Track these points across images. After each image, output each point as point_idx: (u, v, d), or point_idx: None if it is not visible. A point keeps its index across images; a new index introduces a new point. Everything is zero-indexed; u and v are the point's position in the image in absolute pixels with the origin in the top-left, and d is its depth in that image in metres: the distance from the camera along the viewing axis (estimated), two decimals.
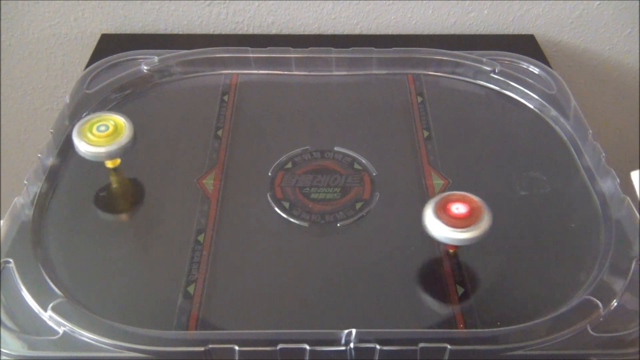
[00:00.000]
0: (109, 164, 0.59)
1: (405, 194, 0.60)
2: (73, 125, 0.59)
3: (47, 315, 0.47)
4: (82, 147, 0.57)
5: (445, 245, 0.52)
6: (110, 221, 0.58)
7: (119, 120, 0.59)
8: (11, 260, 0.51)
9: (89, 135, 0.58)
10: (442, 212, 0.50)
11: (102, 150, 0.57)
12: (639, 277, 0.51)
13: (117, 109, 0.69)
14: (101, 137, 0.58)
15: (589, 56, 0.90)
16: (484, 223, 0.50)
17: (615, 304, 0.49)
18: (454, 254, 0.54)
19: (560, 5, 0.85)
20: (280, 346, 0.45)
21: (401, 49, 0.75)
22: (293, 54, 0.74)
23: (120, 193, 0.61)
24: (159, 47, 0.76)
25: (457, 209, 0.50)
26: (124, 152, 0.58)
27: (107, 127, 0.58)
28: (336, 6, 0.84)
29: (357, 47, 0.74)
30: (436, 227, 0.50)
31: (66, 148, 0.63)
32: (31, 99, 0.92)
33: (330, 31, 0.86)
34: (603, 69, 0.91)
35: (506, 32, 0.87)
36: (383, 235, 0.57)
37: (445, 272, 0.53)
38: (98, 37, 0.84)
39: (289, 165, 0.62)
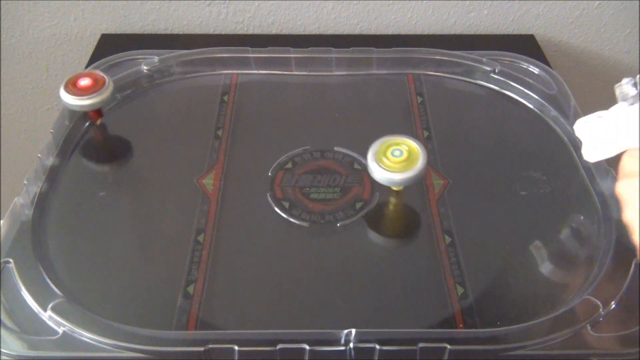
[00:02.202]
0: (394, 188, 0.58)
1: (405, 194, 0.60)
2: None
3: (47, 315, 0.47)
4: (377, 172, 0.56)
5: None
6: (110, 221, 0.58)
7: (413, 145, 0.57)
8: (11, 260, 0.51)
9: (385, 160, 0.56)
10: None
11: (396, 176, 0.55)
12: (639, 277, 0.51)
13: (117, 109, 0.69)
14: (396, 162, 0.56)
15: (589, 56, 0.90)
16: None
17: (615, 304, 0.49)
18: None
19: (560, 5, 0.84)
20: (280, 346, 0.45)
21: (401, 49, 0.75)
22: (293, 54, 0.74)
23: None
24: (159, 47, 0.76)
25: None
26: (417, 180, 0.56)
27: (402, 153, 0.56)
28: (336, 6, 0.84)
29: (357, 47, 0.74)
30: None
31: (66, 148, 0.63)
32: (31, 99, 0.92)
33: (330, 31, 0.86)
34: (603, 69, 0.91)
35: (506, 32, 0.87)
36: (383, 235, 0.57)
37: (445, 272, 0.53)
38: (98, 37, 0.84)
39: (289, 165, 0.62)
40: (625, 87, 0.50)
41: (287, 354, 0.45)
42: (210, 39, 0.84)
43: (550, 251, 0.55)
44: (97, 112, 0.65)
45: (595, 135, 0.50)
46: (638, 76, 0.49)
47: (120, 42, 0.82)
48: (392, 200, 0.59)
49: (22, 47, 0.87)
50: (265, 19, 0.85)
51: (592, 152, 0.50)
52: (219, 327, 0.49)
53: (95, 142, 0.66)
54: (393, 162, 0.56)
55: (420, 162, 0.55)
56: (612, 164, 0.60)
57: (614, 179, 0.58)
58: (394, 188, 0.58)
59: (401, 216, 0.60)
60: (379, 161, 0.56)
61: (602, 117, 0.51)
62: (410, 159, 0.56)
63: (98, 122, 0.66)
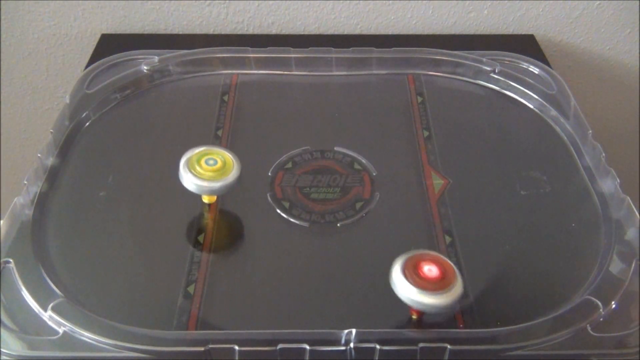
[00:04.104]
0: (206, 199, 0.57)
1: (405, 194, 0.60)
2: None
3: (47, 315, 0.47)
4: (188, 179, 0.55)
5: (410, 309, 0.48)
6: (110, 221, 0.57)
7: (228, 156, 0.56)
8: (11, 260, 0.51)
9: (197, 168, 0.55)
10: (412, 273, 0.46)
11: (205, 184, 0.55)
12: (639, 277, 0.51)
13: (117, 109, 0.69)
14: (209, 171, 0.55)
15: (589, 56, 0.90)
16: (457, 288, 0.45)
17: (615, 304, 0.49)
18: (418, 320, 0.49)
19: (560, 5, 0.84)
20: (280, 346, 0.45)
21: (401, 49, 0.75)
22: (293, 54, 0.74)
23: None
24: (159, 47, 0.76)
25: (429, 270, 0.46)
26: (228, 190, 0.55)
27: (216, 162, 0.55)
28: (336, 6, 0.84)
29: (357, 47, 0.74)
30: (404, 288, 0.45)
31: (66, 148, 0.63)
32: (31, 99, 0.92)
33: (330, 31, 0.86)
34: (603, 69, 0.91)
35: (506, 32, 0.87)
36: (383, 235, 0.57)
37: None
38: (98, 37, 0.84)
39: (289, 165, 0.62)
40: None
41: (288, 354, 0.45)
42: (210, 39, 0.84)
43: (550, 251, 0.55)
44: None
45: None
46: None
47: (120, 42, 0.82)
48: (206, 214, 0.58)
49: (22, 47, 0.87)
50: (265, 19, 0.85)
51: None
52: (219, 327, 0.49)
53: (95, 142, 0.66)
54: (206, 169, 0.55)
55: (233, 172, 0.55)
56: (613, 164, 0.60)
57: (614, 179, 0.58)
58: (206, 199, 0.57)
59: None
60: (191, 169, 0.54)
61: None
62: (224, 169, 0.55)
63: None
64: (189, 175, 0.54)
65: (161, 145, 0.65)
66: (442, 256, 0.48)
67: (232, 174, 0.55)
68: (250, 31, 0.86)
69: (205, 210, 0.58)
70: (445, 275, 0.46)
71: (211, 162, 0.55)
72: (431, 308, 0.45)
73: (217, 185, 0.54)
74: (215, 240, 0.55)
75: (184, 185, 0.55)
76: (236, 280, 0.53)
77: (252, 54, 0.74)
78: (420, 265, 0.46)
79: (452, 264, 0.47)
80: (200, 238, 0.55)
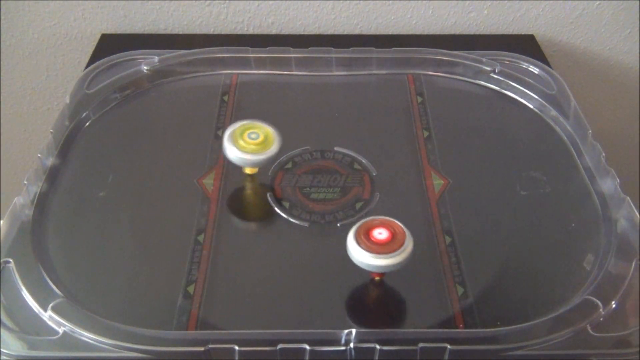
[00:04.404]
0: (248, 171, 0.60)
1: (405, 194, 0.60)
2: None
3: (47, 315, 0.47)
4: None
5: (370, 273, 0.50)
6: (110, 221, 0.58)
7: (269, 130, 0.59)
8: (11, 260, 0.51)
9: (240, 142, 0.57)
10: (364, 239, 0.48)
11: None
12: (639, 277, 0.51)
13: (117, 109, 0.69)
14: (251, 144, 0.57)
15: (589, 56, 0.90)
16: (407, 248, 0.48)
17: (615, 304, 0.49)
18: (379, 282, 0.51)
19: (560, 5, 0.84)
20: (280, 346, 0.45)
21: (401, 49, 0.75)
22: (293, 54, 0.74)
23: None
24: (159, 47, 0.76)
25: (379, 234, 0.49)
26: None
27: (258, 136, 0.58)
28: (336, 6, 0.84)
29: (357, 47, 0.74)
30: (358, 254, 0.48)
31: (66, 148, 0.63)
32: (31, 99, 0.92)
33: (330, 31, 0.86)
34: (603, 69, 0.91)
35: (506, 32, 0.87)
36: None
37: (445, 272, 0.53)
38: (98, 37, 0.84)
39: (289, 165, 0.62)
40: None
41: (288, 354, 0.45)
42: (210, 39, 0.84)
43: (550, 251, 0.55)
44: None
45: None
46: None
47: (120, 42, 0.82)
48: (247, 184, 0.60)
49: (22, 47, 0.87)
50: (265, 19, 0.85)
51: None
52: (219, 327, 0.49)
53: (95, 142, 0.66)
54: (248, 143, 0.57)
55: (274, 145, 0.58)
56: (613, 164, 0.60)
57: (614, 179, 0.58)
58: (248, 171, 0.59)
59: (256, 200, 0.60)
60: (234, 142, 0.57)
61: None
62: (266, 142, 0.58)
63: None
64: (233, 148, 0.57)
65: (161, 146, 0.65)
66: (391, 219, 0.50)
67: (273, 148, 0.58)
68: (250, 31, 0.86)
69: (247, 180, 0.60)
70: (395, 236, 0.48)
71: (253, 135, 0.58)
72: (385, 269, 0.48)
73: (259, 158, 0.57)
74: (215, 240, 0.55)
75: (228, 157, 0.57)
76: (236, 280, 0.53)
77: (252, 54, 0.74)
78: (371, 231, 0.49)
79: (401, 225, 0.49)
80: (200, 238, 0.55)
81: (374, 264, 0.48)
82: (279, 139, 0.58)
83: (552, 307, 0.49)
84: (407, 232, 0.49)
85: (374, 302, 0.53)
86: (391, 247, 0.48)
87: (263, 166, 0.59)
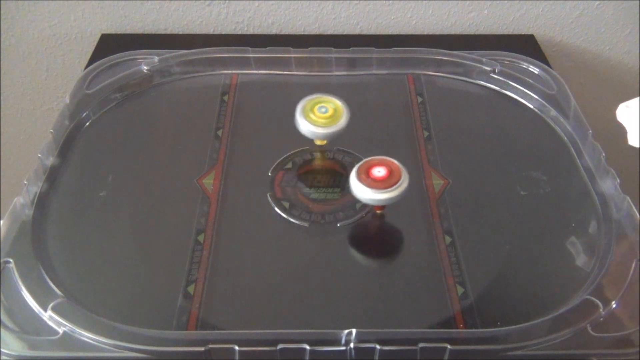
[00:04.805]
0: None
1: (405, 194, 0.60)
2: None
3: (47, 315, 0.47)
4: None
5: (374, 207, 0.57)
6: (110, 221, 0.58)
7: (339, 104, 0.62)
8: (11, 260, 0.51)
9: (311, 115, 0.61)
10: (365, 176, 0.54)
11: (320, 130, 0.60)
12: (639, 277, 0.51)
13: (117, 109, 0.69)
14: (322, 117, 0.61)
15: (589, 56, 0.90)
16: (404, 183, 0.54)
17: (615, 304, 0.49)
18: (380, 215, 0.57)
19: (560, 5, 0.84)
20: (280, 346, 0.45)
21: (401, 49, 0.75)
22: (293, 54, 0.74)
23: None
24: (159, 47, 0.76)
25: (378, 171, 0.54)
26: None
27: (327, 109, 0.61)
28: (336, 6, 0.84)
29: (357, 47, 0.74)
30: (361, 191, 0.54)
31: (66, 148, 0.63)
32: (31, 99, 0.92)
33: (330, 31, 0.86)
34: (603, 69, 0.91)
35: (506, 32, 0.87)
36: (383, 235, 0.57)
37: (445, 272, 0.53)
38: (98, 37, 0.84)
39: (289, 165, 0.62)
40: None
41: (288, 354, 0.45)
42: (210, 39, 0.84)
43: (550, 251, 0.55)
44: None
45: None
46: None
47: (120, 42, 0.82)
48: (317, 155, 0.63)
49: (22, 47, 0.87)
50: (265, 19, 0.85)
51: (637, 138, 0.53)
52: (219, 327, 0.49)
53: (95, 142, 0.66)
54: (319, 117, 0.60)
55: (343, 118, 0.61)
56: (613, 164, 0.60)
57: (614, 179, 0.58)
58: (318, 142, 0.62)
59: (326, 171, 0.63)
60: (305, 116, 0.61)
61: None
62: (335, 116, 0.61)
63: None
64: (304, 122, 0.60)
65: (161, 146, 0.65)
66: (389, 158, 0.55)
67: (342, 121, 0.61)
68: (250, 31, 0.86)
69: (316, 150, 0.64)
70: (392, 173, 0.54)
71: (323, 109, 0.61)
72: (385, 202, 0.53)
73: (329, 131, 0.60)
74: (215, 240, 0.55)
75: (300, 131, 0.61)
76: (236, 280, 0.53)
77: (252, 54, 0.74)
78: (371, 169, 0.54)
79: (398, 164, 0.55)
80: (200, 238, 0.55)
81: (375, 198, 0.53)
82: (348, 112, 0.61)
83: (552, 307, 0.49)
84: (404, 169, 0.55)
85: (376, 233, 0.58)
86: (389, 182, 0.53)
87: (332, 139, 0.62)
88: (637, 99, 0.53)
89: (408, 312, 0.50)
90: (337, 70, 0.74)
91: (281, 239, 0.56)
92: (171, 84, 0.73)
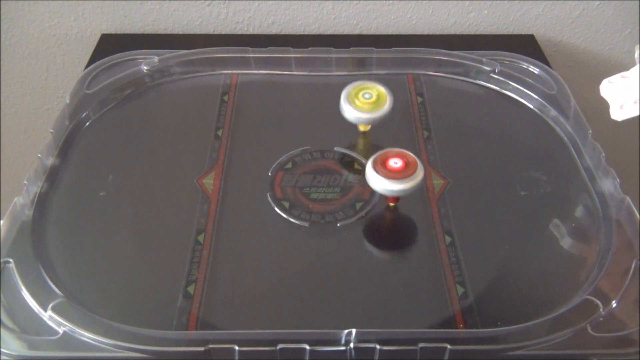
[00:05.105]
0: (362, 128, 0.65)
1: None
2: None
3: (47, 315, 0.47)
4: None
5: (387, 198, 0.57)
6: (110, 221, 0.58)
7: (382, 90, 0.64)
8: (11, 260, 0.51)
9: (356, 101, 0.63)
10: (381, 167, 0.55)
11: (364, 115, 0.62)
12: (639, 277, 0.51)
13: (117, 109, 0.69)
14: (366, 103, 0.62)
15: (589, 56, 0.90)
16: (419, 175, 0.54)
17: (615, 304, 0.49)
18: (393, 207, 0.58)
19: (560, 5, 0.84)
20: (280, 346, 0.45)
21: (401, 49, 0.75)
22: (293, 54, 0.74)
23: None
24: (159, 47, 0.76)
25: (395, 163, 0.55)
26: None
27: (371, 95, 0.63)
28: (336, 6, 0.84)
29: (357, 47, 0.74)
30: (376, 181, 0.54)
31: (66, 148, 0.63)
32: (31, 99, 0.92)
33: (330, 31, 0.86)
34: (603, 69, 0.91)
35: (506, 32, 0.87)
36: (383, 235, 0.57)
37: (445, 272, 0.53)
38: (98, 37, 0.84)
39: (289, 165, 0.62)
40: None
41: (288, 354, 0.45)
42: (210, 39, 0.84)
43: (550, 251, 0.55)
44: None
45: (622, 95, 0.52)
46: None
47: (120, 42, 0.82)
48: (360, 140, 0.65)
49: (22, 47, 0.87)
50: (265, 19, 0.85)
51: (620, 111, 0.52)
52: (219, 327, 0.49)
53: (95, 142, 0.66)
54: (363, 102, 0.62)
55: (387, 104, 0.62)
56: (613, 164, 0.60)
57: (614, 179, 0.58)
58: (362, 128, 0.64)
59: (367, 155, 0.62)
60: (350, 102, 0.62)
61: (627, 77, 0.53)
62: (378, 101, 0.62)
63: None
64: (349, 107, 0.62)
65: (161, 146, 0.65)
66: (405, 151, 0.56)
67: (386, 106, 0.62)
68: (250, 31, 0.86)
69: (359, 137, 0.65)
70: (408, 165, 0.55)
71: (367, 95, 0.63)
72: (401, 192, 0.54)
73: (373, 116, 0.62)
74: (215, 240, 0.55)
75: (345, 117, 0.63)
76: (236, 280, 0.53)
77: (252, 54, 0.74)
78: (387, 160, 0.55)
79: (414, 156, 0.56)
80: (200, 238, 0.55)
81: (390, 188, 0.54)
82: (391, 98, 0.63)
83: (552, 307, 0.50)
84: (419, 162, 0.55)
85: (389, 226, 0.59)
86: (405, 174, 0.54)
87: (376, 124, 0.63)
88: (619, 74, 0.54)
89: (408, 312, 0.50)
90: (337, 70, 0.74)
91: (281, 239, 0.56)
92: (171, 84, 0.73)
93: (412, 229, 0.58)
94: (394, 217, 0.59)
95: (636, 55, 0.54)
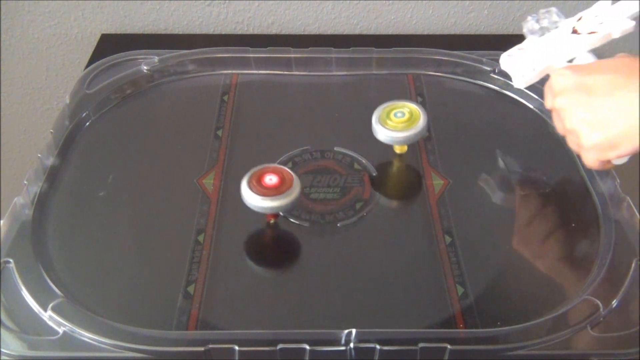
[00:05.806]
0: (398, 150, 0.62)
1: (405, 194, 0.60)
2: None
3: (47, 315, 0.47)
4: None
5: (267, 215, 0.56)
6: (110, 221, 0.58)
7: (414, 108, 0.61)
8: (11, 260, 0.51)
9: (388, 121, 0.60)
10: (256, 184, 0.54)
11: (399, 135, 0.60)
12: (639, 277, 0.51)
13: (117, 109, 0.69)
14: (399, 122, 0.60)
15: None
16: (294, 191, 0.53)
17: (615, 304, 0.49)
18: (274, 224, 0.56)
19: (560, 5, 0.84)
20: (280, 346, 0.45)
21: (401, 49, 0.75)
22: (293, 54, 0.74)
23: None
24: (159, 47, 0.76)
25: (270, 179, 0.54)
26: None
27: (404, 114, 0.60)
28: (336, 6, 0.84)
29: (357, 47, 0.74)
30: (250, 198, 0.53)
31: (66, 148, 0.63)
32: (31, 99, 0.92)
33: (330, 31, 0.86)
34: None
35: (506, 32, 0.87)
36: (383, 235, 0.57)
37: (445, 272, 0.53)
38: (98, 37, 0.84)
39: (289, 165, 0.62)
40: (530, 23, 0.59)
41: (288, 354, 0.45)
42: (210, 39, 0.84)
43: (550, 251, 0.55)
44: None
45: (522, 65, 0.57)
46: (540, 11, 0.59)
47: (120, 42, 0.82)
48: (395, 163, 0.63)
49: (22, 47, 0.87)
50: (265, 19, 0.85)
51: (521, 80, 0.56)
52: (219, 327, 0.49)
53: (95, 142, 0.66)
54: (396, 122, 0.60)
55: (421, 120, 0.59)
56: None
57: (614, 179, 0.58)
58: (398, 150, 0.62)
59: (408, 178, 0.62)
60: (383, 123, 0.60)
61: (523, 48, 0.58)
62: (412, 119, 0.60)
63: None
64: (382, 129, 0.59)
65: (161, 146, 0.65)
66: (282, 166, 0.55)
67: (420, 122, 0.60)
68: (250, 31, 0.86)
69: (396, 160, 0.63)
70: (283, 181, 0.54)
71: (399, 114, 0.60)
72: (275, 209, 0.53)
73: (409, 134, 0.60)
74: (215, 240, 0.55)
75: (378, 138, 0.60)
76: (236, 280, 0.53)
77: (252, 54, 0.74)
78: (263, 177, 0.54)
79: (290, 172, 0.54)
80: (200, 238, 0.55)
81: (263, 205, 0.53)
82: (425, 114, 0.60)
83: (552, 307, 0.49)
84: (296, 178, 0.54)
85: (389, 226, 0.57)
86: (280, 190, 0.53)
87: (413, 142, 0.61)
88: (516, 47, 0.58)
89: (408, 312, 0.50)
90: (337, 70, 0.74)
91: (281, 239, 0.56)
92: (171, 84, 0.73)
93: (412, 229, 0.58)
94: (394, 217, 0.59)
95: (524, 30, 0.58)
